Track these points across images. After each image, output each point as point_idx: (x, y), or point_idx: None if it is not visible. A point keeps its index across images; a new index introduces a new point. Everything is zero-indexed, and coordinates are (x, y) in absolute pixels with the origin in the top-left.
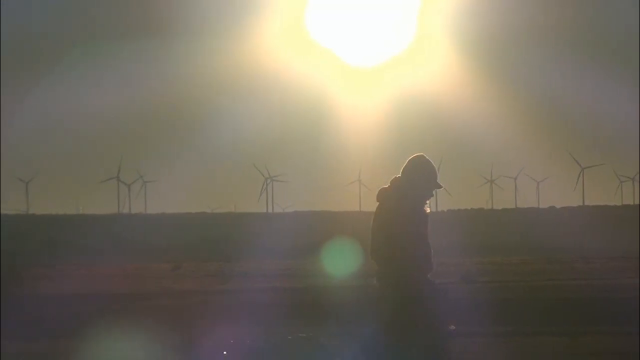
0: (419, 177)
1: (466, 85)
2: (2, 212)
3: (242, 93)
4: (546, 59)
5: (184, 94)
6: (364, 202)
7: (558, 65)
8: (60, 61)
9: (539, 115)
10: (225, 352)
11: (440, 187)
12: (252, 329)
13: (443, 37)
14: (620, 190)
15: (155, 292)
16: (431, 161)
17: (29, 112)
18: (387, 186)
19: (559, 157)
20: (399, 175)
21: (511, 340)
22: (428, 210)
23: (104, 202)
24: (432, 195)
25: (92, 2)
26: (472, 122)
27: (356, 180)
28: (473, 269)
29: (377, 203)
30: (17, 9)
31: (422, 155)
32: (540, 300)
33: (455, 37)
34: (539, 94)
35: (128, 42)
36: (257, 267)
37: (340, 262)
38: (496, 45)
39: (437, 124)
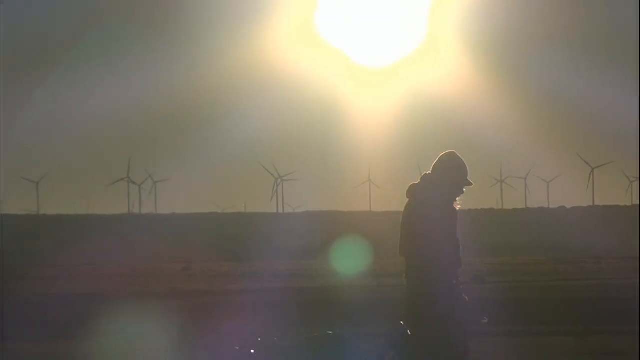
0: (449, 173)
1: (476, 85)
2: (13, 212)
3: (252, 93)
4: (556, 59)
5: (193, 94)
6: (374, 202)
7: (569, 64)
8: (69, 61)
9: (550, 114)
10: (253, 351)
11: (471, 184)
12: (271, 328)
13: (453, 38)
14: (631, 190)
15: (166, 292)
16: (462, 158)
17: (38, 112)
18: (417, 182)
19: (569, 157)
20: (429, 172)
21: (522, 340)
22: (458, 207)
23: (114, 203)
24: (463, 192)
25: (100, 1)
26: (482, 121)
27: (366, 181)
28: (483, 269)
29: (407, 199)
30: (22, 6)
31: (453, 152)
32: (550, 300)
33: (465, 37)
34: (550, 94)
35: (138, 41)
36: (268, 267)
37: (350, 262)
38: (506, 45)
39: (446, 123)
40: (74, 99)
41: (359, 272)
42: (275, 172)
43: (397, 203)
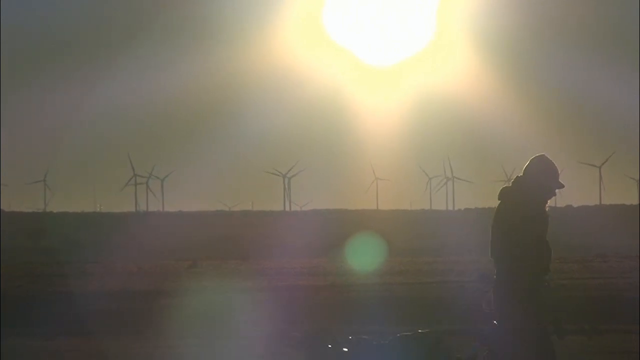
0: (542, 176)
1: (483, 84)
2: (20, 210)
3: (259, 91)
4: (565, 57)
5: (200, 92)
6: (382, 200)
7: (577, 63)
8: (75, 61)
9: (557, 113)
10: (345, 349)
11: (562, 186)
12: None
13: (461, 36)
14: (638, 189)
15: (178, 290)
16: (552, 161)
17: (40, 111)
18: (509, 185)
19: (576, 156)
20: (521, 174)
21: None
22: (547, 208)
23: (121, 201)
24: (555, 195)
25: (105, 2)
26: (489, 120)
27: (374, 180)
28: (490, 267)
29: (499, 201)
30: (22, 5)
31: (544, 155)
32: (556, 298)
33: (473, 36)
34: (558, 92)
35: (143, 42)
36: (276, 265)
37: (365, 258)
38: (515, 43)
39: (454, 122)
40: (77, 99)
41: (372, 269)
42: (278, 172)
43: (404, 201)
